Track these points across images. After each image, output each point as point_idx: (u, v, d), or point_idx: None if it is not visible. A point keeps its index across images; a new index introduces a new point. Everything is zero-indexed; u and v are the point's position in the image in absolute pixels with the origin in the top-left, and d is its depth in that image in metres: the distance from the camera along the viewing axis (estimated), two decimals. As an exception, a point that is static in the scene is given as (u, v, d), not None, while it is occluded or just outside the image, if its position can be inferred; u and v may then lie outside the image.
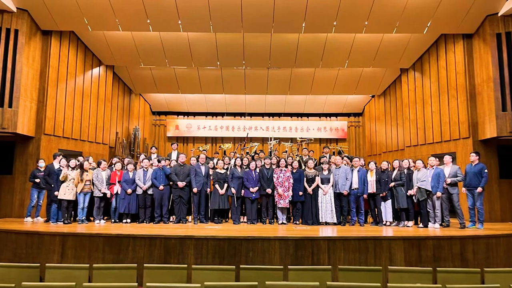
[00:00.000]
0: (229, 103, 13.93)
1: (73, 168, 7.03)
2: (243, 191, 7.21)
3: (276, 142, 10.13)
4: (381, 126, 12.93)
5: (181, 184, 7.10)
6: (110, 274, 3.87)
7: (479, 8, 7.91)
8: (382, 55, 10.19)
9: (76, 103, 9.61)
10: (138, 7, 8.04)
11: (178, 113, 14.56)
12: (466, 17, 8.13)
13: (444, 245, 5.40)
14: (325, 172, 7.28)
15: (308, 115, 14.50)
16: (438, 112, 9.52)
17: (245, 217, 7.41)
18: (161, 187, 7.06)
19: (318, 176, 7.25)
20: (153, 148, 8.54)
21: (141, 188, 7.11)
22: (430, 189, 6.72)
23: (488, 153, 8.27)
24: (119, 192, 7.15)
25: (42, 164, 7.51)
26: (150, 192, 7.14)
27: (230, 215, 7.68)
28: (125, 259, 5.29)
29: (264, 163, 7.43)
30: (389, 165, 7.40)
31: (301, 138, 10.82)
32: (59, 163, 7.30)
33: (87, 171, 7.06)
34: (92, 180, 7.07)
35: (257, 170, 7.41)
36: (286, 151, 9.51)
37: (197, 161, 7.51)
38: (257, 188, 7.17)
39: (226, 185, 7.24)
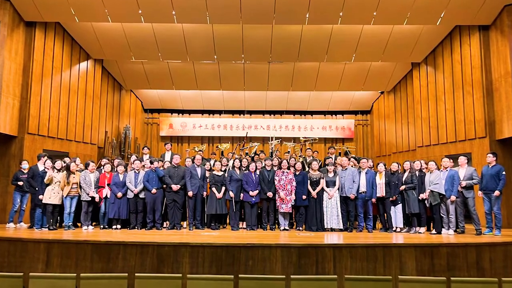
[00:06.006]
0: (227, 100, 13.94)
1: (59, 170, 7.03)
2: (242, 194, 7.21)
3: (278, 142, 10.13)
4: (390, 125, 12.94)
5: (175, 187, 7.10)
6: (99, 284, 3.87)
7: (497, -2, 7.92)
8: (392, 48, 10.19)
9: (62, 100, 9.61)
10: (129, -3, 8.06)
11: (172, 111, 14.57)
12: (482, 7, 8.13)
13: (459, 253, 5.40)
14: (331, 174, 7.28)
15: (312, 113, 14.50)
16: (452, 109, 9.53)
17: (244, 222, 7.41)
18: (153, 191, 7.05)
19: (323, 178, 7.25)
20: (145, 148, 8.54)
21: (132, 191, 7.11)
22: (444, 193, 6.71)
23: (506, 153, 8.27)
24: (108, 196, 7.15)
25: (25, 165, 7.51)
26: (142, 195, 7.14)
27: (228, 221, 7.68)
28: (115, 268, 5.29)
29: (265, 164, 7.43)
30: (400, 166, 7.39)
31: (305, 137, 10.83)
32: (44, 164, 7.29)
33: (74, 173, 7.05)
34: (80, 183, 7.07)
35: (257, 172, 7.41)
36: (289, 151, 9.51)
37: (193, 162, 7.51)
38: (257, 191, 7.17)
39: (223, 188, 7.23)
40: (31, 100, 8.59)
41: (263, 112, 14.51)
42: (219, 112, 14.51)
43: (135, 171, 7.24)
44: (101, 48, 10.36)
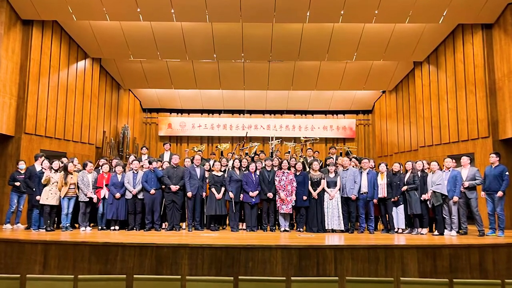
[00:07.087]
0: (226, 100, 13.94)
1: (56, 171, 7.03)
2: (242, 195, 7.21)
3: (278, 142, 10.13)
4: (392, 125, 12.94)
5: (174, 187, 7.10)
6: (97, 286, 3.87)
7: (500, -4, 7.93)
8: (394, 47, 10.19)
9: (60, 99, 9.61)
10: (127, -5, 8.07)
11: (171, 110, 14.58)
12: (485, 6, 8.13)
13: (462, 255, 5.41)
14: (332, 175, 7.28)
15: (313, 112, 14.51)
16: (454, 109, 9.53)
17: (244, 223, 7.41)
18: (152, 191, 7.05)
19: (323, 179, 7.25)
20: (144, 148, 8.53)
21: (130, 192, 7.10)
22: (446, 194, 6.71)
23: (510, 154, 8.27)
24: (106, 197, 7.15)
25: (22, 166, 7.51)
26: (140, 196, 7.14)
27: (227, 222, 7.68)
28: (113, 270, 5.29)
29: (265, 164, 7.43)
30: (402, 167, 7.39)
31: (305, 137, 10.83)
32: (41, 165, 7.29)
33: (72, 174, 7.05)
34: (77, 183, 7.07)
35: (257, 172, 7.41)
36: (289, 151, 9.51)
37: (192, 162, 7.51)
38: (257, 192, 7.17)
39: (223, 189, 7.23)
40: (28, 100, 8.58)
41: (263, 112, 14.52)
42: (219, 111, 14.51)
43: (133, 172, 7.24)
44: (99, 47, 10.36)
